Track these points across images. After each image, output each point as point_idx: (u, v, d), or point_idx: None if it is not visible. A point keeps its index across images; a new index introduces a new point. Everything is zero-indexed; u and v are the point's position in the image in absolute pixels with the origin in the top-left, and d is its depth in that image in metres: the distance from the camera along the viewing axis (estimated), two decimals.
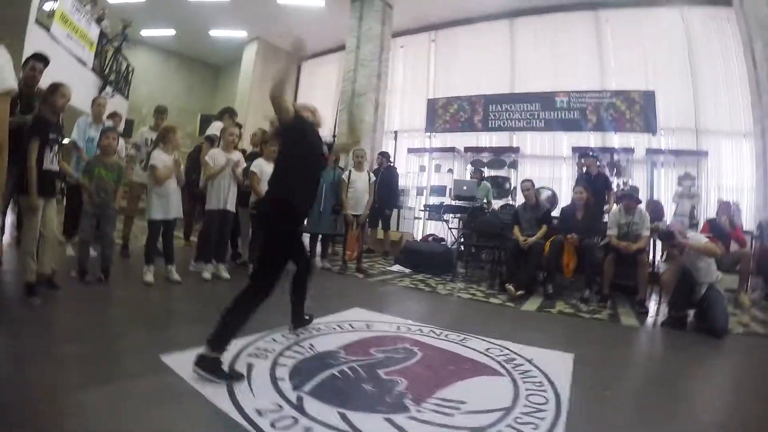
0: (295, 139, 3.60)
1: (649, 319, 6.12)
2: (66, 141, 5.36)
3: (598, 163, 9.36)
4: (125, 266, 6.58)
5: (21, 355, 3.16)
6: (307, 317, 4.27)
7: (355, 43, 14.46)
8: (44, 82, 5.01)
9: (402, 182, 14.39)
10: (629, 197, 6.94)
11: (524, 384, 3.33)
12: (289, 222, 3.54)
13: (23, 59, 5.80)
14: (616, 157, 12.02)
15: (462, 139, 14.53)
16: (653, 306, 6.76)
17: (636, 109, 12.23)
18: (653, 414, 3.07)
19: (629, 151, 12.03)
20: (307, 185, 3.69)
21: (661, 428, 2.90)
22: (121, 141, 6.59)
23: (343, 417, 2.60)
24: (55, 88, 4.57)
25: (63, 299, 4.58)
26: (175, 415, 2.53)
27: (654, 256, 7.69)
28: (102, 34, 14.40)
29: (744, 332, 5.63)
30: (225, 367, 3.03)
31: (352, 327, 4.51)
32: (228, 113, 7.82)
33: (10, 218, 6.25)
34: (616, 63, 13.29)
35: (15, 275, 5.06)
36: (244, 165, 6.51)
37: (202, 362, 2.94)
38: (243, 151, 7.23)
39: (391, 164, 9.42)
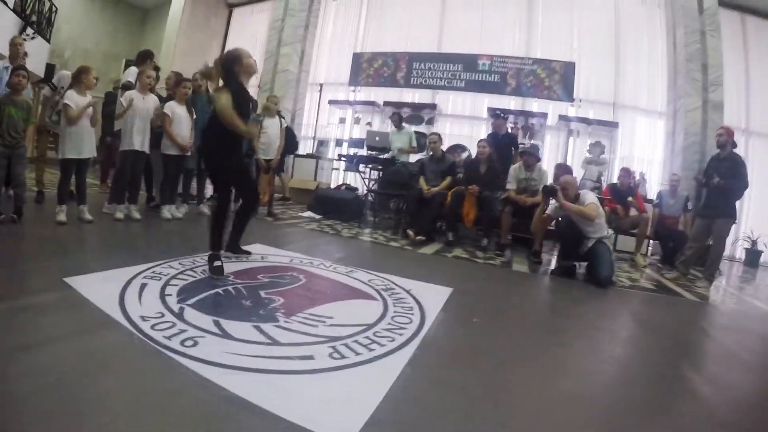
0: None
1: (540, 268, 6.46)
2: None
3: (509, 124, 9.69)
4: (39, 209, 6.51)
5: None
6: (244, 250, 4.80)
7: None
8: None
9: (323, 133, 14.54)
10: (528, 154, 7.25)
11: (394, 308, 3.57)
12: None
13: None
14: (531, 120, 12.40)
15: (384, 94, 14.60)
16: (550, 258, 7.16)
17: (555, 78, 12.58)
18: (517, 341, 3.32)
19: (544, 116, 12.44)
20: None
21: (520, 351, 3.13)
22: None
23: (217, 323, 2.82)
24: None
25: None
26: (69, 321, 2.70)
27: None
28: None
29: (630, 286, 6.00)
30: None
31: (247, 258, 4.68)
32: (149, 57, 7.70)
33: None
34: (543, 31, 13.51)
35: None
36: (159, 107, 6.48)
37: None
38: (159, 96, 7.19)
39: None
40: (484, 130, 13.01)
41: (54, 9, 16.20)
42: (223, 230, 4.17)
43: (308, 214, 9.05)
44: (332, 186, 12.41)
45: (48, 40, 15.43)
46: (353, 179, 12.82)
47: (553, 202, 6.19)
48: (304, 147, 14.70)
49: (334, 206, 9.07)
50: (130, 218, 6.27)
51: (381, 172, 9.46)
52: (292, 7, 14.12)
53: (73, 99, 5.59)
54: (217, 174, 4.38)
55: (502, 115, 9.54)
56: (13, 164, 5.38)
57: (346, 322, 3.11)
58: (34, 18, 14.50)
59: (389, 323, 3.20)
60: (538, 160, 7.32)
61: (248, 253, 4.77)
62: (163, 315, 2.88)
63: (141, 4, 21.54)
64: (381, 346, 2.79)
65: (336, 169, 13.76)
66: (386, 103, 13.97)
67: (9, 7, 12.59)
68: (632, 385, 2.83)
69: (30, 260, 4.04)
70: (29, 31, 13.74)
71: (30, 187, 6.13)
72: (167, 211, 6.69)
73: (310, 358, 2.51)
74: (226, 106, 3.93)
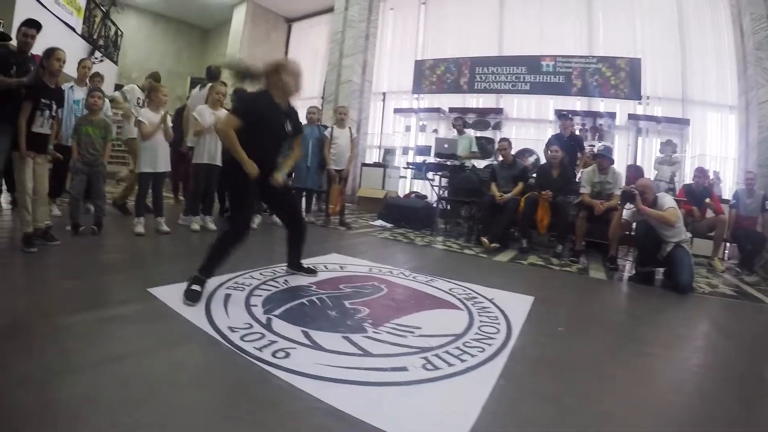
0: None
1: (618, 275, 6.31)
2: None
3: (575, 125, 9.49)
4: (117, 221, 6.76)
5: (19, 288, 3.42)
6: (307, 267, 4.47)
7: (344, 4, 14.47)
8: (35, 50, 5.18)
9: (389, 142, 14.60)
10: (602, 157, 7.09)
11: (480, 317, 3.55)
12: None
13: (13, 26, 5.88)
14: (599, 121, 12.13)
15: (448, 101, 14.50)
16: (627, 264, 6.98)
17: (621, 76, 12.25)
18: (602, 350, 3.27)
19: (612, 116, 12.11)
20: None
21: (607, 360, 3.09)
22: (107, 102, 6.86)
23: (306, 334, 2.86)
24: (51, 52, 4.69)
25: (58, 247, 4.75)
26: (157, 331, 2.78)
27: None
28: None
29: (710, 292, 5.77)
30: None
31: (326, 268, 4.75)
32: (219, 74, 7.85)
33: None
34: (605, 29, 13.27)
35: (13, 231, 5.28)
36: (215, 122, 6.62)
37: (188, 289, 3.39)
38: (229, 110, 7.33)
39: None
40: (550, 133, 12.80)
41: (119, 33, 16.96)
42: (223, 259, 3.63)
43: (379, 222, 9.11)
44: (401, 194, 12.43)
45: (116, 63, 16.15)
46: (421, 187, 12.81)
47: (630, 206, 6.03)
48: (371, 156, 14.83)
49: (405, 214, 9.10)
50: (205, 229, 6.51)
51: (450, 179, 9.40)
52: (352, 18, 14.25)
53: (147, 116, 5.88)
54: (232, 194, 4.17)
55: (569, 116, 9.38)
56: (92, 180, 5.67)
57: (434, 332, 3.11)
58: (101, 42, 15.10)
59: (477, 333, 3.19)
60: (612, 162, 7.12)
61: (313, 271, 4.48)
62: (251, 326, 2.94)
63: (202, 24, 22.21)
64: (472, 356, 2.77)
65: (403, 177, 13.80)
66: (451, 110, 13.91)
67: (77, 33, 13.16)
68: (719, 396, 2.74)
69: (113, 271, 4.20)
70: (97, 54, 14.31)
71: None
72: None
73: (404, 369, 2.51)
74: (224, 129, 3.67)
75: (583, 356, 3.10)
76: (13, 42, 5.63)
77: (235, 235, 3.69)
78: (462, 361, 2.69)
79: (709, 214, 8.09)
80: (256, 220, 7.19)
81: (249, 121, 3.65)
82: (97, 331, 2.66)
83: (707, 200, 8.06)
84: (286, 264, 4.44)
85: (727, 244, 8.90)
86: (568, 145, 8.50)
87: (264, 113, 3.75)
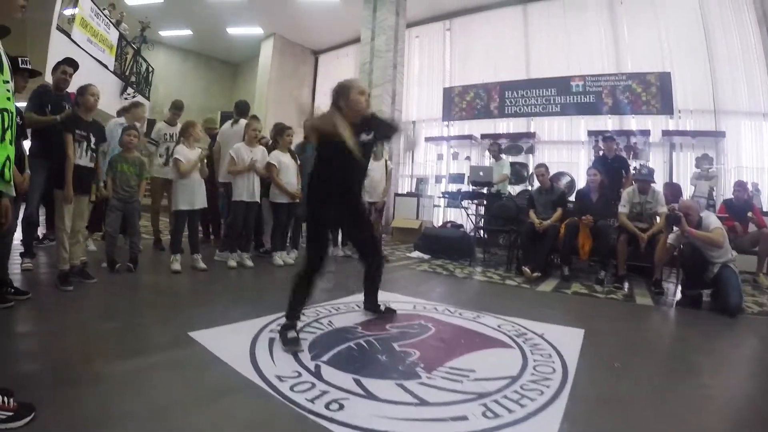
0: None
1: (664, 299, 6.15)
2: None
3: (615, 145, 9.38)
4: (154, 257, 6.86)
5: (58, 331, 3.41)
6: (383, 308, 4.39)
7: (370, 35, 14.56)
8: (70, 88, 5.51)
9: (421, 171, 14.60)
10: (642, 181, 6.94)
11: (533, 356, 3.46)
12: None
13: (47, 63, 6.06)
14: (633, 140, 11.98)
15: (479, 127, 14.59)
16: (670, 286, 6.81)
17: (652, 91, 12.16)
18: (660, 383, 3.15)
19: (646, 133, 11.97)
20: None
21: (668, 396, 2.96)
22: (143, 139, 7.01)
23: (357, 382, 2.78)
24: (85, 88, 4.89)
25: (94, 285, 4.83)
26: (202, 380, 2.73)
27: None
28: (121, 37, 14.79)
29: (760, 312, 5.63)
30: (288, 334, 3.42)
31: (393, 316, 4.66)
32: (247, 110, 7.93)
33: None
34: (631, 45, 13.17)
35: (49, 267, 5.34)
36: (266, 159, 6.71)
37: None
38: (266, 144, 7.37)
39: None
40: (583, 155, 12.72)
41: (151, 69, 17.43)
42: (305, 299, 3.67)
43: (416, 254, 9.02)
44: (437, 224, 12.39)
45: (147, 98, 16.61)
46: (455, 215, 12.75)
47: (675, 229, 5.90)
48: (403, 185, 14.83)
49: (442, 245, 9.00)
50: (242, 266, 6.51)
51: (486, 207, 9.31)
52: (379, 48, 14.34)
53: (183, 153, 5.95)
54: (309, 229, 3.95)
55: (613, 137, 9.28)
56: (127, 216, 5.79)
57: (489, 375, 3.02)
58: (133, 78, 15.53)
59: (533, 374, 3.10)
60: (653, 182, 6.99)
61: (392, 311, 4.41)
62: (300, 374, 2.86)
63: (231, 59, 22.67)
64: (532, 400, 2.68)
65: (437, 206, 13.77)
66: (483, 136, 13.90)
67: (110, 70, 13.57)
68: None
69: (152, 312, 4.23)
70: (129, 90, 14.73)
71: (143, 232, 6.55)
72: (279, 258, 6.90)
73: (464, 418, 2.43)
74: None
75: (642, 392, 2.98)
76: (48, 79, 5.86)
77: (311, 273, 3.65)
78: (522, 406, 2.60)
79: (751, 228, 7.89)
80: (293, 255, 7.24)
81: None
82: (139, 380, 2.63)
83: (749, 214, 7.86)
84: (364, 308, 4.44)
85: None
86: (611, 167, 8.40)
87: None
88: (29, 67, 4.75)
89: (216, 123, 8.80)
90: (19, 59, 4.79)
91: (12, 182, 1.98)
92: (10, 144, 1.88)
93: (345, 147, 3.50)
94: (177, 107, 8.04)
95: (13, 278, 4.24)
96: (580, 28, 13.70)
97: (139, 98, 15.16)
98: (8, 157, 1.87)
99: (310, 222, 3.89)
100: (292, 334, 3.39)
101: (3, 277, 4.05)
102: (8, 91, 1.86)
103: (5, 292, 3.96)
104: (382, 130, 3.92)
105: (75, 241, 4.81)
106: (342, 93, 3.66)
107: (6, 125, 1.84)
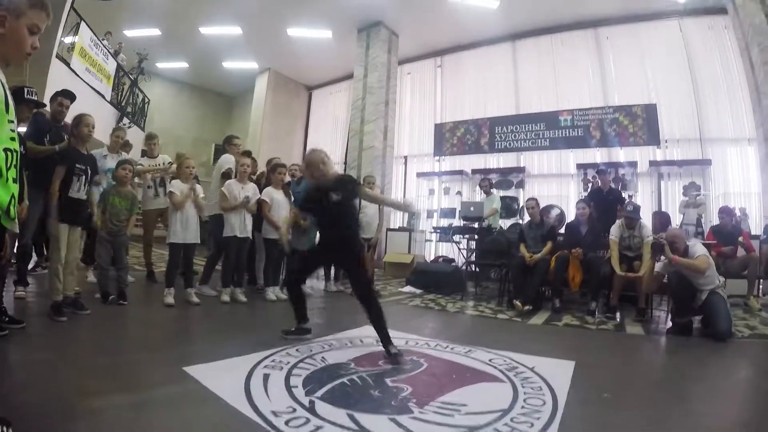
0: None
1: (654, 327, 6.24)
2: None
3: (598, 179, 9.56)
4: (148, 290, 6.89)
5: (51, 363, 3.45)
6: (393, 351, 4.19)
7: (363, 71, 14.81)
8: (67, 118, 5.60)
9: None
10: (629, 218, 7.03)
11: (523, 389, 3.50)
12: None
13: (46, 91, 6.17)
14: (621, 171, 12.14)
15: (470, 162, 14.82)
16: (661, 314, 6.91)
17: (639, 123, 12.41)
18: (650, 413, 3.18)
19: (634, 164, 12.17)
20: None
21: (660, 424, 3.00)
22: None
23: (351, 417, 2.83)
24: (80, 119, 4.97)
25: (88, 317, 4.87)
26: (197, 417, 2.78)
27: None
28: (119, 67, 14.98)
29: (750, 335, 5.73)
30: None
31: (362, 342, 4.73)
32: (227, 142, 7.96)
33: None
34: (618, 78, 13.55)
35: (41, 296, 5.34)
36: (258, 196, 6.78)
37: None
38: (258, 180, 7.45)
39: None
40: (573, 187, 12.86)
41: (147, 100, 17.68)
42: (303, 301, 4.75)
43: (408, 288, 9.07)
44: (428, 258, 12.44)
45: (142, 129, 16.85)
46: (446, 250, 12.83)
47: (662, 257, 6.01)
48: (395, 220, 14.93)
49: (434, 279, 9.07)
50: (236, 300, 6.52)
51: (477, 242, 9.41)
52: (371, 85, 14.56)
53: (179, 186, 6.02)
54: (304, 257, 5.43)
55: (607, 170, 9.44)
56: (115, 249, 5.85)
57: (480, 409, 3.07)
58: (129, 109, 15.75)
59: (523, 406, 3.14)
60: (639, 218, 7.10)
61: (399, 356, 4.15)
62: (294, 410, 2.90)
63: (226, 92, 22.89)
64: None
65: (429, 240, 13.85)
66: (474, 171, 14.07)
67: (107, 100, 13.81)
68: None
69: (146, 346, 4.25)
70: (125, 120, 14.97)
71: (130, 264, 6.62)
72: (272, 293, 6.92)
73: None
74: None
75: (632, 422, 3.03)
76: (47, 109, 5.96)
77: (291, 277, 4.89)
78: None
79: (740, 252, 8.01)
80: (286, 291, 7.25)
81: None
82: (133, 417, 2.65)
83: (740, 239, 7.98)
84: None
85: (761, 282, 8.71)
86: (606, 199, 8.58)
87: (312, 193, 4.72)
88: (35, 98, 4.85)
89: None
90: (25, 89, 4.91)
91: (16, 219, 2.04)
92: (14, 182, 1.94)
93: (325, 199, 4.45)
94: (150, 137, 8.18)
95: (7, 306, 4.30)
96: (567, 64, 14.03)
97: (135, 128, 15.43)
98: (13, 195, 1.93)
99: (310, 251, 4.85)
100: (305, 326, 4.70)
101: None
102: (12, 131, 1.92)
103: (0, 321, 4.02)
104: (348, 191, 4.55)
105: (69, 271, 4.88)
106: (310, 166, 4.56)
107: (10, 164, 1.90)
